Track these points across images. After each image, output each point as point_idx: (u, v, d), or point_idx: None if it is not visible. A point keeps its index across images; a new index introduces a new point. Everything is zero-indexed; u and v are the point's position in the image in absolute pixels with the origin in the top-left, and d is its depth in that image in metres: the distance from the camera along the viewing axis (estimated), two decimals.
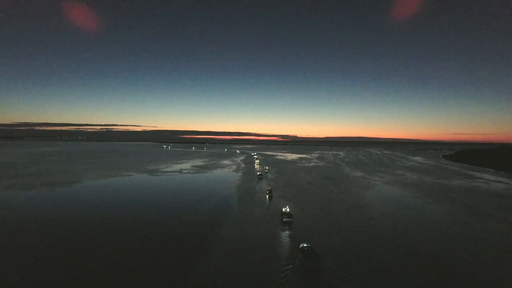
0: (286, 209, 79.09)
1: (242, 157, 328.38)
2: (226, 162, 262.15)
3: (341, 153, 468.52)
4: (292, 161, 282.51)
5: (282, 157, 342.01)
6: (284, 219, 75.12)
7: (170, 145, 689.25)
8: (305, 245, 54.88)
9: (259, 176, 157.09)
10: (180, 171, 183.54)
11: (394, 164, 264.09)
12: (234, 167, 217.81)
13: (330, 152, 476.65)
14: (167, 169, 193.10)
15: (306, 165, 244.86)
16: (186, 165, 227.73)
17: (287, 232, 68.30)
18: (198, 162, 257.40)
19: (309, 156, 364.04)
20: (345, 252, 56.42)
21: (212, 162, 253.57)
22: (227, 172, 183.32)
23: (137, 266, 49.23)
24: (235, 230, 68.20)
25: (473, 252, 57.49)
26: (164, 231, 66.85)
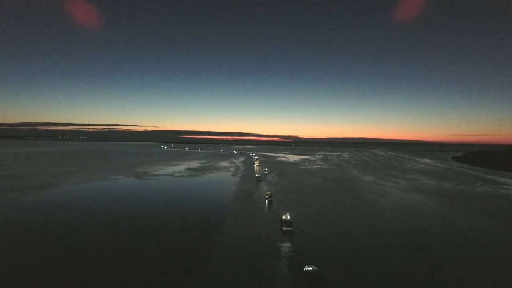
0: (287, 216, 69.39)
1: (241, 159, 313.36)
2: (223, 164, 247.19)
3: (345, 154, 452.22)
4: (294, 163, 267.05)
5: (284, 159, 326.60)
6: (284, 228, 66.53)
7: (166, 146, 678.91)
8: (310, 268, 44.71)
9: (258, 179, 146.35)
10: (172, 175, 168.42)
11: (403, 167, 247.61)
12: (232, 169, 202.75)
13: (334, 154, 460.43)
14: (158, 172, 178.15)
15: (310, 167, 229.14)
16: (180, 167, 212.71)
17: (287, 244, 58.08)
18: (194, 164, 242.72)
19: (312, 158, 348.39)
20: (358, 279, 43.97)
21: (209, 164, 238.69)
22: (222, 175, 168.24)
23: None
24: (226, 247, 56.12)
25: None
26: (142, 251, 52.13)
